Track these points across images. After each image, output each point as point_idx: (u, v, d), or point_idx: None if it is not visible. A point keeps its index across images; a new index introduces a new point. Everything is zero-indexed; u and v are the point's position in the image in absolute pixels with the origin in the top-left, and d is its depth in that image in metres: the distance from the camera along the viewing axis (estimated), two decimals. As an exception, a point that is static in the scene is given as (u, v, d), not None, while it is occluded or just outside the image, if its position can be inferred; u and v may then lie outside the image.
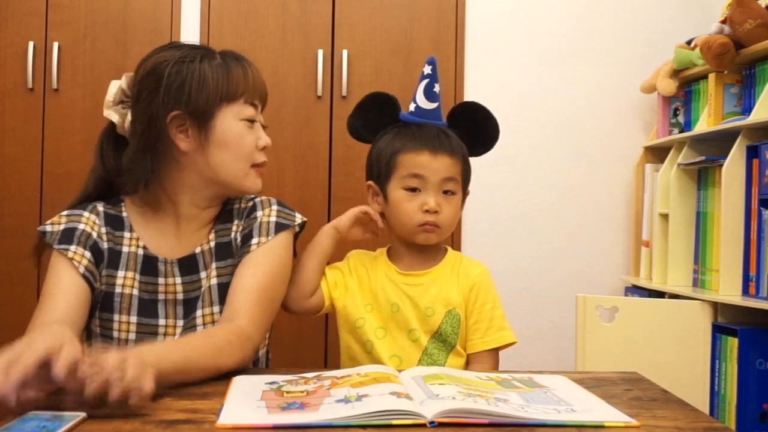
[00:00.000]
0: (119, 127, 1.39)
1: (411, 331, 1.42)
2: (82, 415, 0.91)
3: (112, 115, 1.38)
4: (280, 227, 1.36)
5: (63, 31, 2.72)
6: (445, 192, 1.43)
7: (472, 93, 2.79)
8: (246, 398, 1.01)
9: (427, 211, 1.41)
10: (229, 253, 1.36)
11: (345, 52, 2.73)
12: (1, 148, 2.72)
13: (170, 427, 0.90)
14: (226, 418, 0.92)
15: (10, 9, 2.71)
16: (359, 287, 1.48)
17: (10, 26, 2.71)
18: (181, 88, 1.29)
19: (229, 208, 1.41)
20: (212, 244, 1.36)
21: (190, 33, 2.76)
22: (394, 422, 0.90)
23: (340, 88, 2.74)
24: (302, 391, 1.04)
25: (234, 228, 1.38)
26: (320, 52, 2.73)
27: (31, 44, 2.69)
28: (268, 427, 0.89)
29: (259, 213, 1.37)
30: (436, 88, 1.50)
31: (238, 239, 1.36)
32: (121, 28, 2.75)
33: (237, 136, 1.33)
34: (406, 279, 1.46)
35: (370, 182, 1.51)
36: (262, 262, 1.32)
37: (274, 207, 1.39)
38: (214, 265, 1.35)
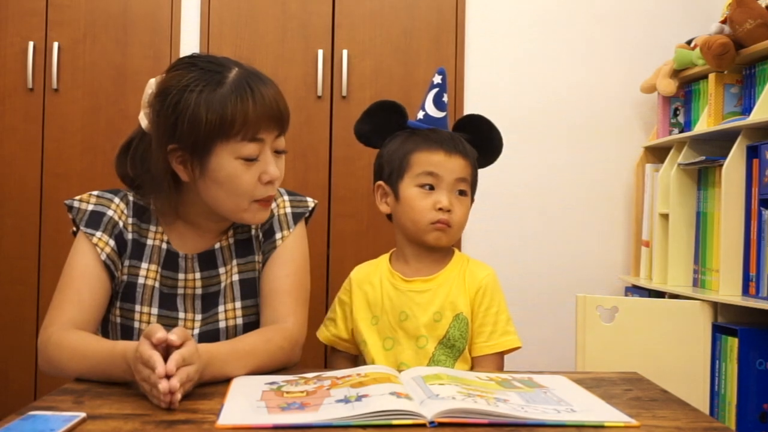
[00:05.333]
0: (148, 130, 1.36)
1: (419, 338, 1.42)
2: (82, 415, 0.91)
3: (143, 119, 1.35)
4: (297, 217, 1.42)
5: (63, 31, 2.72)
6: (458, 192, 1.45)
7: (471, 93, 2.79)
8: (246, 398, 1.01)
9: (440, 209, 1.42)
10: (250, 250, 1.40)
11: (345, 52, 2.73)
12: (1, 148, 2.71)
13: (170, 427, 0.90)
14: (226, 418, 0.92)
15: (10, 9, 2.71)
16: (365, 302, 1.48)
17: (10, 26, 2.71)
18: (174, 124, 1.25)
19: None
20: (231, 240, 1.39)
21: (190, 33, 2.76)
22: (394, 422, 0.90)
23: (340, 88, 2.74)
24: (302, 391, 1.04)
25: (253, 226, 1.41)
26: (320, 52, 2.73)
27: (31, 44, 2.69)
28: (268, 427, 0.90)
29: (272, 205, 1.40)
30: (445, 98, 1.54)
31: (260, 236, 1.40)
32: (121, 28, 2.75)
33: (230, 176, 1.26)
34: (412, 285, 1.46)
35: (380, 182, 1.50)
36: (290, 258, 1.38)
37: (286, 197, 1.44)
38: (234, 262, 1.38)
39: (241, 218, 1.33)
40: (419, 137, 1.47)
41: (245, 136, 1.25)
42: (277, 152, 1.33)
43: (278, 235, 1.39)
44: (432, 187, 1.44)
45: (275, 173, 1.31)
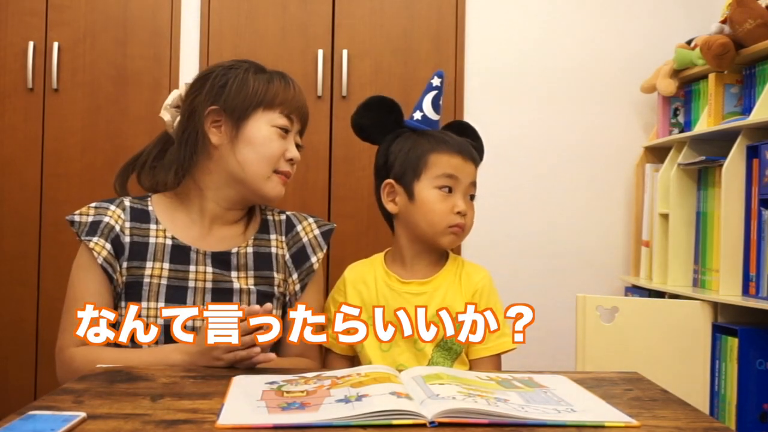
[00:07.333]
0: (168, 127, 1.47)
1: (416, 341, 1.41)
2: (82, 415, 0.91)
3: (165, 114, 1.46)
4: (326, 235, 1.50)
5: (63, 31, 2.72)
6: (469, 197, 1.47)
7: (471, 93, 2.79)
8: (246, 398, 1.01)
9: (458, 213, 1.43)
10: (268, 266, 1.44)
11: (345, 52, 2.73)
12: (1, 148, 2.71)
13: (170, 427, 0.89)
14: (226, 418, 0.92)
15: (10, 9, 2.71)
16: (360, 302, 1.46)
17: (10, 26, 2.71)
18: (222, 87, 1.39)
19: (264, 218, 1.49)
20: (250, 250, 1.43)
21: (190, 33, 2.76)
22: (394, 422, 0.90)
23: (340, 88, 2.74)
24: (302, 391, 1.04)
25: (274, 243, 1.46)
26: (320, 52, 2.73)
27: (31, 44, 2.69)
28: (268, 427, 0.89)
29: (298, 228, 1.48)
30: (441, 101, 1.55)
31: (287, 257, 1.45)
32: (121, 28, 2.75)
33: (266, 139, 1.38)
34: (410, 287, 1.46)
35: (390, 181, 1.48)
36: (324, 287, 1.53)
37: (311, 219, 1.51)
38: (251, 273, 1.42)
39: (261, 188, 1.40)
40: (433, 138, 1.46)
41: (283, 110, 1.40)
42: (297, 146, 1.45)
43: (314, 259, 1.47)
44: (450, 190, 1.44)
45: (297, 154, 1.44)
